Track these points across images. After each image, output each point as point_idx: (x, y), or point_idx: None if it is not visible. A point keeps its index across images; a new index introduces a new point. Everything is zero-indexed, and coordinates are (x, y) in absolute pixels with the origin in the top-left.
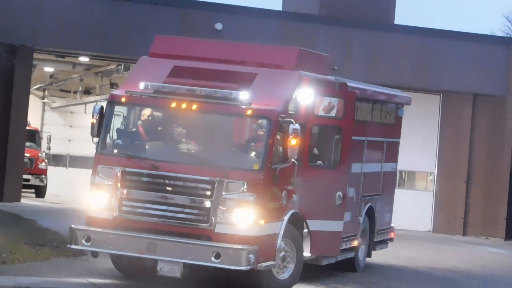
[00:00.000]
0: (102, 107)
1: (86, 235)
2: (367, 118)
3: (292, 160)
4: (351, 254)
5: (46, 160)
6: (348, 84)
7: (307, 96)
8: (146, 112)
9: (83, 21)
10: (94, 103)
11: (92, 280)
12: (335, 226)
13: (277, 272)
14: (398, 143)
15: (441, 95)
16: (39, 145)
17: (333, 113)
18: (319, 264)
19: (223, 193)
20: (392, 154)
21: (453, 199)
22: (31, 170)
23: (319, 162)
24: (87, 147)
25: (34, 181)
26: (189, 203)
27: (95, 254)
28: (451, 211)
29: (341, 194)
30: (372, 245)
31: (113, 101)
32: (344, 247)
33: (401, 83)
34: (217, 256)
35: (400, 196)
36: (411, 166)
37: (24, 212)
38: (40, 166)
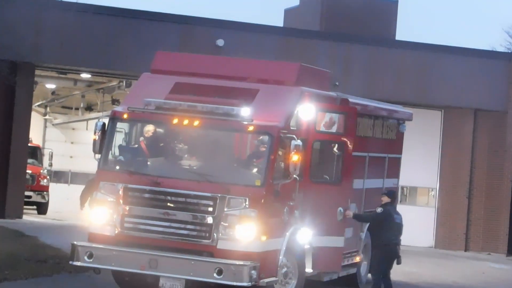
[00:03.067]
0: (104, 124)
1: (88, 251)
2: (369, 134)
3: (294, 176)
4: (353, 270)
5: (47, 177)
6: (350, 100)
7: (308, 112)
8: (148, 128)
9: (85, 37)
10: (96, 120)
11: None
12: (337, 242)
13: None
14: (399, 158)
15: (442, 110)
16: (40, 161)
17: (334, 129)
18: (321, 280)
19: (225, 209)
20: (393, 169)
21: (455, 214)
22: (32, 186)
23: (321, 177)
24: (89, 163)
25: (36, 197)
26: (191, 219)
27: (97, 271)
28: (453, 226)
29: (342, 210)
30: None
31: (115, 118)
32: (346, 263)
33: (402, 99)
34: (219, 272)
35: (402, 211)
36: (413, 181)
37: (26, 228)
38: (42, 183)
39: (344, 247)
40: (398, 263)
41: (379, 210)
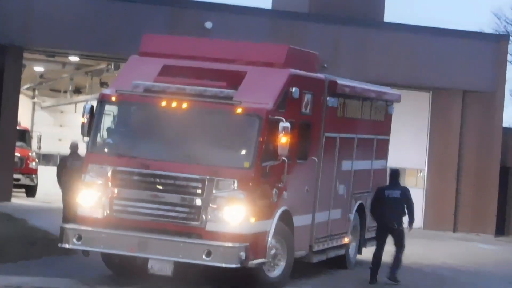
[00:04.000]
0: (92, 106)
1: (77, 234)
2: (357, 116)
3: (282, 157)
4: (341, 251)
5: (36, 160)
6: (338, 81)
7: (296, 94)
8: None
9: (73, 20)
10: (84, 103)
11: (83, 278)
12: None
13: (268, 270)
14: (388, 140)
15: (431, 91)
16: (29, 144)
17: (308, 109)
18: (310, 261)
19: (214, 191)
20: (382, 151)
21: (444, 195)
22: (21, 169)
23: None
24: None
25: (24, 180)
26: (180, 201)
27: (86, 253)
28: (442, 207)
29: (307, 188)
30: (362, 242)
31: (103, 100)
32: (335, 244)
33: (390, 80)
34: (208, 254)
35: None
36: (401, 163)
37: (15, 211)
38: (30, 166)
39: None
40: (397, 236)
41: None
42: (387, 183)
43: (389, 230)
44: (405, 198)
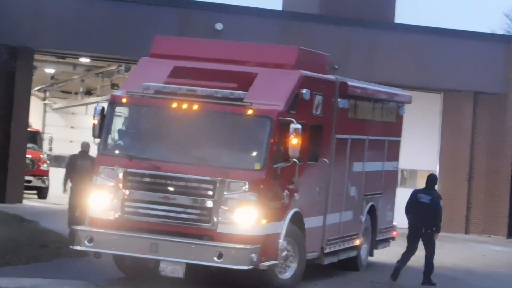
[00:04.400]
0: (103, 108)
1: (89, 236)
2: (368, 117)
3: (294, 159)
4: (353, 253)
5: (47, 161)
6: (349, 83)
7: (307, 95)
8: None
9: (84, 22)
10: (95, 104)
11: (95, 280)
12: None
13: (280, 272)
14: (399, 141)
15: (442, 93)
16: (40, 146)
17: (319, 111)
18: (322, 263)
19: (225, 193)
20: (393, 152)
21: (455, 197)
22: (33, 171)
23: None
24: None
25: (36, 182)
26: (191, 203)
27: (97, 255)
28: (453, 209)
29: (319, 190)
30: (374, 244)
31: (114, 102)
32: (346, 246)
33: (401, 82)
34: (220, 256)
35: (402, 194)
36: (413, 164)
37: (26, 213)
38: (42, 168)
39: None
40: (426, 241)
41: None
42: (425, 186)
43: (418, 233)
44: (434, 205)
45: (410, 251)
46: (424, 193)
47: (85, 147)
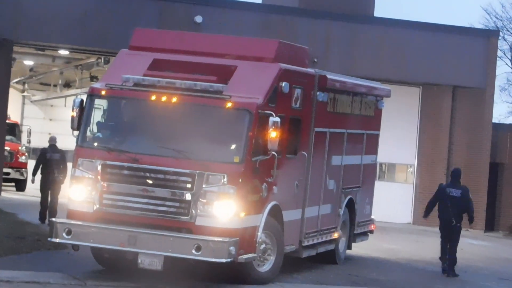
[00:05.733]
0: (82, 100)
1: (67, 228)
2: (347, 111)
3: (272, 152)
4: (331, 246)
5: (26, 154)
6: (328, 76)
7: (286, 89)
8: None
9: (63, 14)
10: (74, 97)
11: (73, 273)
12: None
13: (258, 265)
14: (378, 135)
15: (421, 87)
16: (19, 138)
17: (298, 104)
18: (300, 256)
19: (204, 185)
20: (372, 146)
21: (433, 191)
22: (11, 163)
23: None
24: (68, 140)
25: (14, 174)
26: (169, 196)
27: (76, 247)
28: None
29: (297, 183)
30: (352, 237)
31: (93, 94)
32: (324, 239)
33: (380, 76)
34: (198, 248)
35: (380, 188)
36: (391, 158)
37: (4, 205)
38: (20, 160)
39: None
40: (454, 232)
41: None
42: (451, 180)
43: (449, 226)
44: (466, 198)
45: (445, 243)
46: (452, 187)
47: (53, 141)
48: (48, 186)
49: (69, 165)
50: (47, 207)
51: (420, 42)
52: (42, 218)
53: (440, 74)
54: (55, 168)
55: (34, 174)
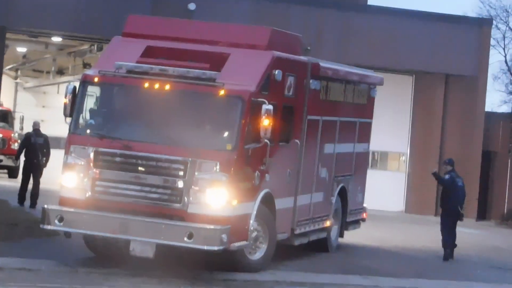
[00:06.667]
0: (75, 87)
1: (59, 215)
2: (340, 99)
3: (265, 140)
4: (323, 234)
5: (18, 141)
6: (321, 64)
7: (279, 76)
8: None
9: (56, 0)
10: (67, 83)
11: (65, 260)
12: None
13: (250, 252)
14: (370, 123)
15: (414, 75)
16: (11, 125)
17: (291, 92)
18: (292, 244)
19: (196, 173)
20: (364, 134)
21: (425, 179)
22: (3, 150)
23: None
24: (60, 127)
25: (6, 161)
26: (162, 183)
27: (68, 234)
28: (424, 191)
29: (290, 171)
30: (344, 226)
31: (85, 81)
32: (316, 227)
33: (373, 64)
34: (190, 236)
35: (373, 176)
36: (384, 146)
37: None
38: (12, 147)
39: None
40: (461, 220)
41: (446, 177)
42: (452, 170)
43: (457, 215)
44: (464, 187)
45: (449, 231)
46: (457, 177)
47: (36, 125)
48: (31, 169)
49: (52, 150)
50: (26, 189)
51: (413, 31)
52: (21, 200)
53: (433, 62)
54: (39, 152)
55: (17, 157)
